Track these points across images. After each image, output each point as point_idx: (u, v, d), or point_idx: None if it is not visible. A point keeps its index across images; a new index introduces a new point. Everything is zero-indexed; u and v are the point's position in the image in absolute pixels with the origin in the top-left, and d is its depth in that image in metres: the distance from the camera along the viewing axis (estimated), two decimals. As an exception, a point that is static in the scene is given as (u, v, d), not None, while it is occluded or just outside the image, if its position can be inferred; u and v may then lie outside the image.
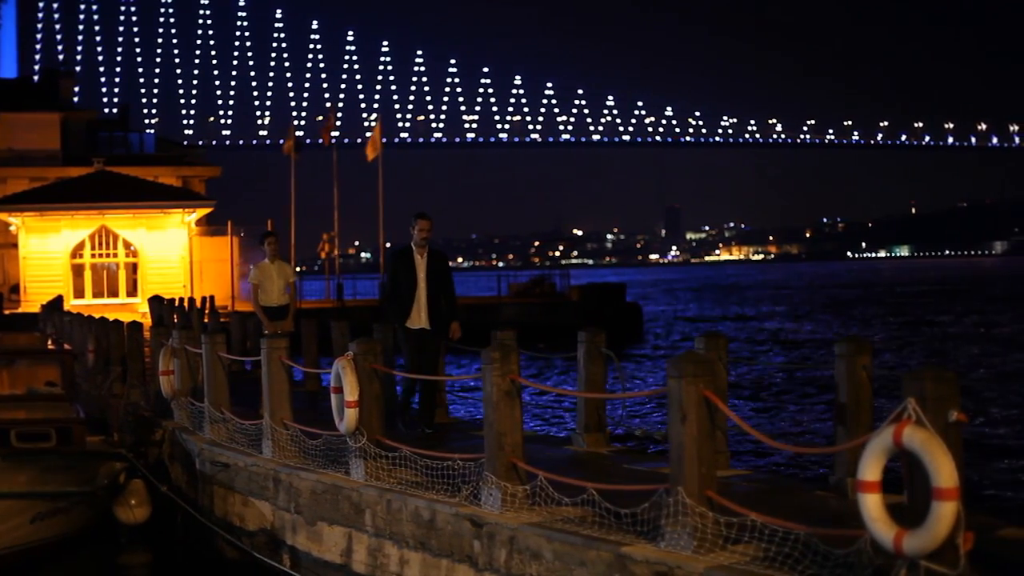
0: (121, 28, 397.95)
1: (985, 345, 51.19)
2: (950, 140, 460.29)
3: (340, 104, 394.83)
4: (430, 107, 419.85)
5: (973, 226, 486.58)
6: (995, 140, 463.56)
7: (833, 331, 62.97)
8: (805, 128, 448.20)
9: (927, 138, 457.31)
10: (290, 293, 17.04)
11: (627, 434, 22.25)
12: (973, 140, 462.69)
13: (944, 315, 76.94)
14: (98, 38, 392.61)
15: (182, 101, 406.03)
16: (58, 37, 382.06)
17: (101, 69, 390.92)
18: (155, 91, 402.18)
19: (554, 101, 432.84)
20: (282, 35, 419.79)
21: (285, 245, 60.63)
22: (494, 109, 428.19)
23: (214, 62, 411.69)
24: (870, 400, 10.08)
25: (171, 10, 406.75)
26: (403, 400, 14.88)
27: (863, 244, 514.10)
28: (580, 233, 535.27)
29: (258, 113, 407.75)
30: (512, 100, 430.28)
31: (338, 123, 73.21)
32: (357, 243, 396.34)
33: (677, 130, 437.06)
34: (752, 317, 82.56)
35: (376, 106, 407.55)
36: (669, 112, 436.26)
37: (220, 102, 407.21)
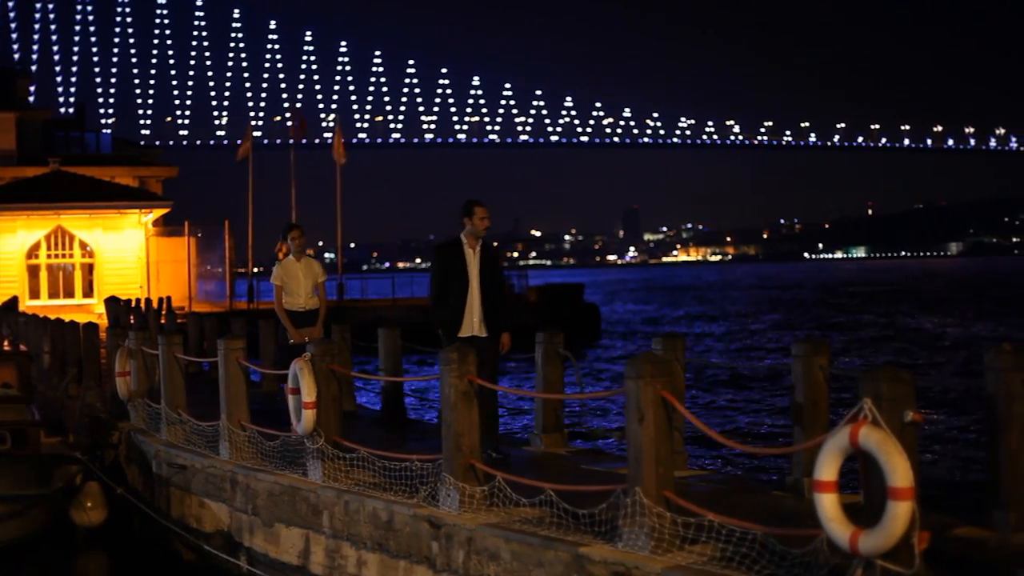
0: (77, 27, 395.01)
1: (934, 345, 51.53)
2: (907, 142, 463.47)
3: (299, 105, 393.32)
4: (388, 107, 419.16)
5: (929, 227, 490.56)
6: (951, 142, 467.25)
7: (789, 332, 63.28)
8: (763, 129, 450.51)
9: (884, 140, 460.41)
10: (319, 295, 15.02)
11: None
12: (929, 142, 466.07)
13: (893, 315, 77.40)
14: (54, 37, 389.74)
15: (139, 101, 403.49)
16: (13, 36, 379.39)
17: (57, 68, 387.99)
18: (112, 91, 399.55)
19: (512, 102, 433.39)
20: (240, 35, 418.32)
21: (242, 246, 60.38)
22: (452, 110, 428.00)
23: (171, 62, 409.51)
24: (826, 400, 10.14)
25: (128, 9, 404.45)
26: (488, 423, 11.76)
27: (820, 245, 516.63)
28: (538, 234, 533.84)
29: (215, 113, 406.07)
30: (470, 101, 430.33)
31: (289, 123, 73.00)
32: (321, 243, 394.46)
33: (635, 131, 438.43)
34: (714, 317, 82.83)
35: (334, 106, 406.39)
36: (627, 113, 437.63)
37: (177, 102, 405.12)
